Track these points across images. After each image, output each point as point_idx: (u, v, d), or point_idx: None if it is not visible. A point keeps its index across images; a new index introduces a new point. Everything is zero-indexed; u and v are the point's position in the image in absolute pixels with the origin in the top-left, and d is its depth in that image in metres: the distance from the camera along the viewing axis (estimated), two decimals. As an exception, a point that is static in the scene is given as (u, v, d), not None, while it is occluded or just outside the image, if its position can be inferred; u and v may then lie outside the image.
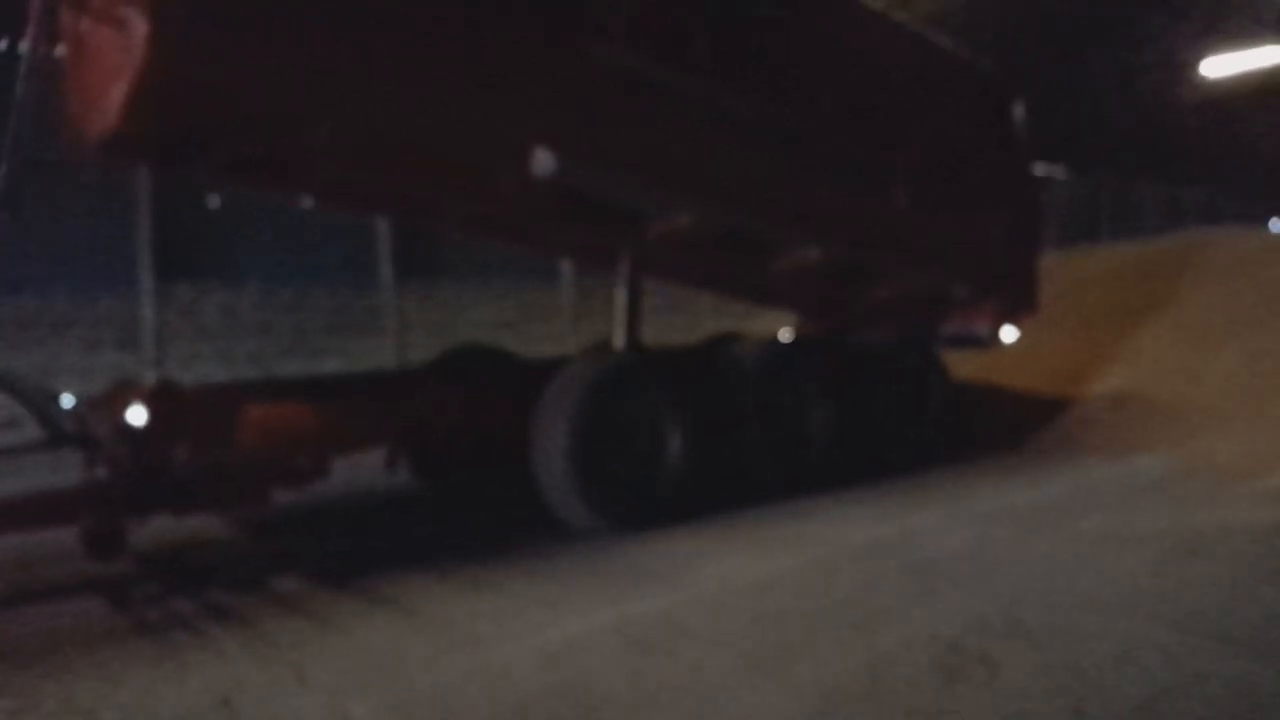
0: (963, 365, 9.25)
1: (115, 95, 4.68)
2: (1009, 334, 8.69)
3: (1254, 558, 4.94)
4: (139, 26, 4.41)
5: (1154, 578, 4.67)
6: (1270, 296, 9.59)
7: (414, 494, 7.51)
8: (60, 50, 5.60)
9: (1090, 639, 3.86)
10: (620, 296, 6.98)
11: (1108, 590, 4.50)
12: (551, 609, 4.52)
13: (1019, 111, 8.96)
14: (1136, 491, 6.74)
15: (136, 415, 5.16)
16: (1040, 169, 20.20)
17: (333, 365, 13.53)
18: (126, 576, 5.35)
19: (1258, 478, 6.87)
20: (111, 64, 4.78)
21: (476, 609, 4.57)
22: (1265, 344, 8.81)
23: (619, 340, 6.89)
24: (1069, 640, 3.86)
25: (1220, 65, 22.75)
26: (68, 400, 5.92)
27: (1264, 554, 5.01)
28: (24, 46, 4.91)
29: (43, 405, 5.74)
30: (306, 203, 7.18)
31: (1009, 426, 8.86)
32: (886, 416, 7.83)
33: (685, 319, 17.27)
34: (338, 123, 5.08)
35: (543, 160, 5.57)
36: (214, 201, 12.65)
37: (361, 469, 7.81)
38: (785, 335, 8.31)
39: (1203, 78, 23.95)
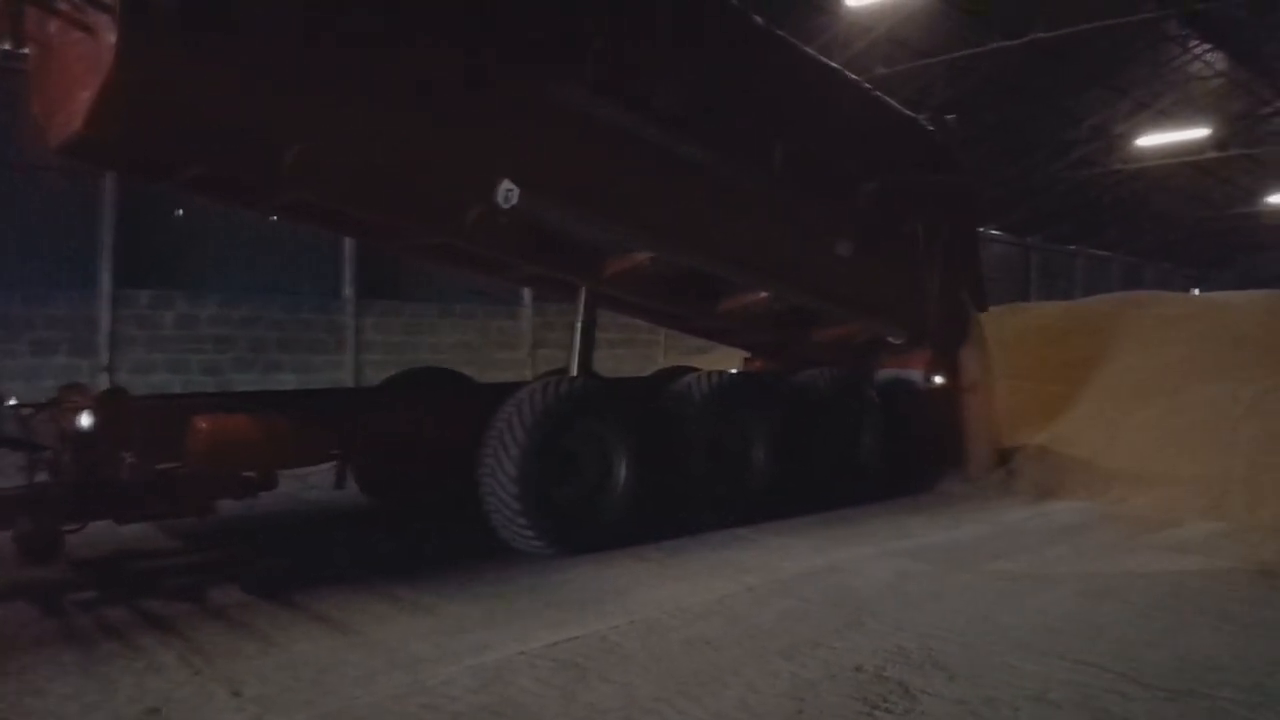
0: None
1: (81, 100, 4.72)
2: (942, 379, 8.95)
3: (1163, 603, 5.14)
4: (107, 34, 4.46)
5: (1068, 618, 4.85)
6: (1188, 357, 9.95)
7: (361, 512, 7.52)
8: (26, 52, 5.65)
9: (1007, 674, 4.02)
10: (577, 327, 7.10)
11: (1024, 628, 4.67)
12: (491, 631, 4.58)
13: (962, 171, 9.27)
14: (1055, 535, 6.96)
15: (83, 420, 5.16)
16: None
17: (289, 380, 13.49)
18: (60, 583, 5.30)
19: (1169, 528, 7.15)
20: (78, 69, 4.82)
21: (416, 629, 4.62)
22: (1182, 402, 9.15)
23: (574, 369, 7.00)
24: (986, 675, 4.01)
25: (1151, 140, 23.59)
26: (11, 402, 5.90)
27: (1175, 599, 5.22)
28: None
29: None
30: (272, 218, 7.22)
31: (939, 469, 9.04)
32: (824, 453, 8.02)
33: (641, 351, 17.45)
34: (305, 145, 5.16)
35: (506, 193, 5.70)
36: (179, 212, 12.60)
37: (310, 484, 7.85)
38: (733, 371, 8.46)
39: (1134, 150, 24.80)
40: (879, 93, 8.96)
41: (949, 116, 9.44)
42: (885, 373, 9.13)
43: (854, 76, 8.86)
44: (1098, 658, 4.21)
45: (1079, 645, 4.39)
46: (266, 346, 13.56)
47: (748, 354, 9.90)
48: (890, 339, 8.93)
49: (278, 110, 4.99)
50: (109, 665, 4.06)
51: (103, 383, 11.34)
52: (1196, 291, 27.02)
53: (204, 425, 5.26)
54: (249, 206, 6.33)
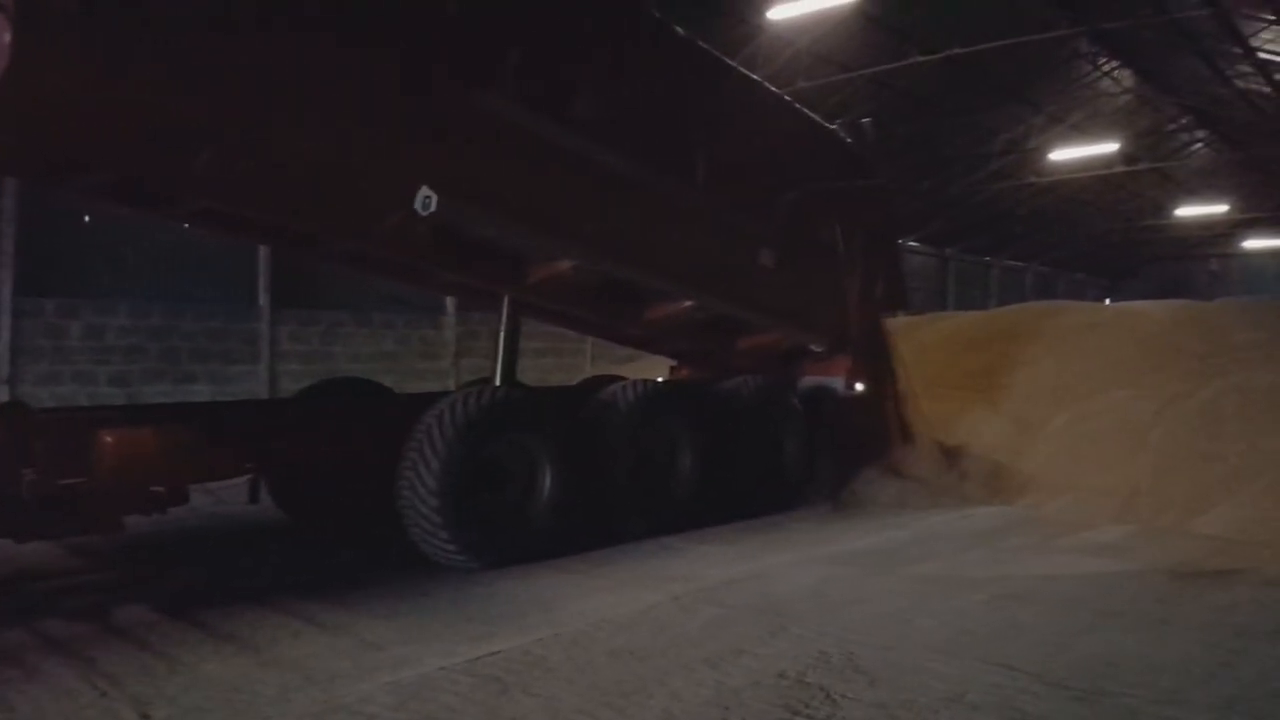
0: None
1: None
2: (861, 386, 9.09)
3: (1076, 604, 5.26)
4: (2, 34, 4.28)
5: (985, 620, 4.94)
6: (1099, 365, 10.26)
7: (277, 527, 7.32)
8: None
9: (925, 677, 4.06)
10: (500, 335, 7.03)
11: (942, 631, 4.74)
12: (410, 646, 4.49)
13: (880, 182, 9.43)
14: (972, 540, 7.08)
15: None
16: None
17: (202, 392, 13.12)
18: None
19: (1081, 531, 7.34)
20: None
21: (332, 646, 4.51)
22: (1093, 409, 9.43)
23: (497, 379, 6.93)
24: (905, 678, 4.06)
25: (1063, 154, 24.31)
26: None
27: (1087, 600, 5.34)
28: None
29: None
30: (184, 226, 7.02)
31: (860, 475, 9.16)
32: (749, 461, 8.06)
33: (568, 360, 17.39)
34: (215, 150, 5.01)
35: (425, 199, 5.61)
36: (85, 218, 12.16)
37: (223, 500, 7.63)
38: (659, 380, 8.47)
39: (1047, 164, 25.56)
40: (799, 105, 9.07)
41: (865, 120, 9.60)
42: (807, 380, 9.23)
43: (774, 89, 8.96)
44: (1013, 659, 4.27)
45: (995, 647, 4.46)
46: (178, 357, 13.16)
47: (674, 362, 9.93)
48: (812, 347, 9.03)
49: (186, 113, 4.83)
50: (8, 690, 3.88)
51: (2, 395, 10.90)
52: (1108, 301, 27.92)
53: (110, 439, 5.08)
54: (159, 213, 6.14)
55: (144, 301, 12.89)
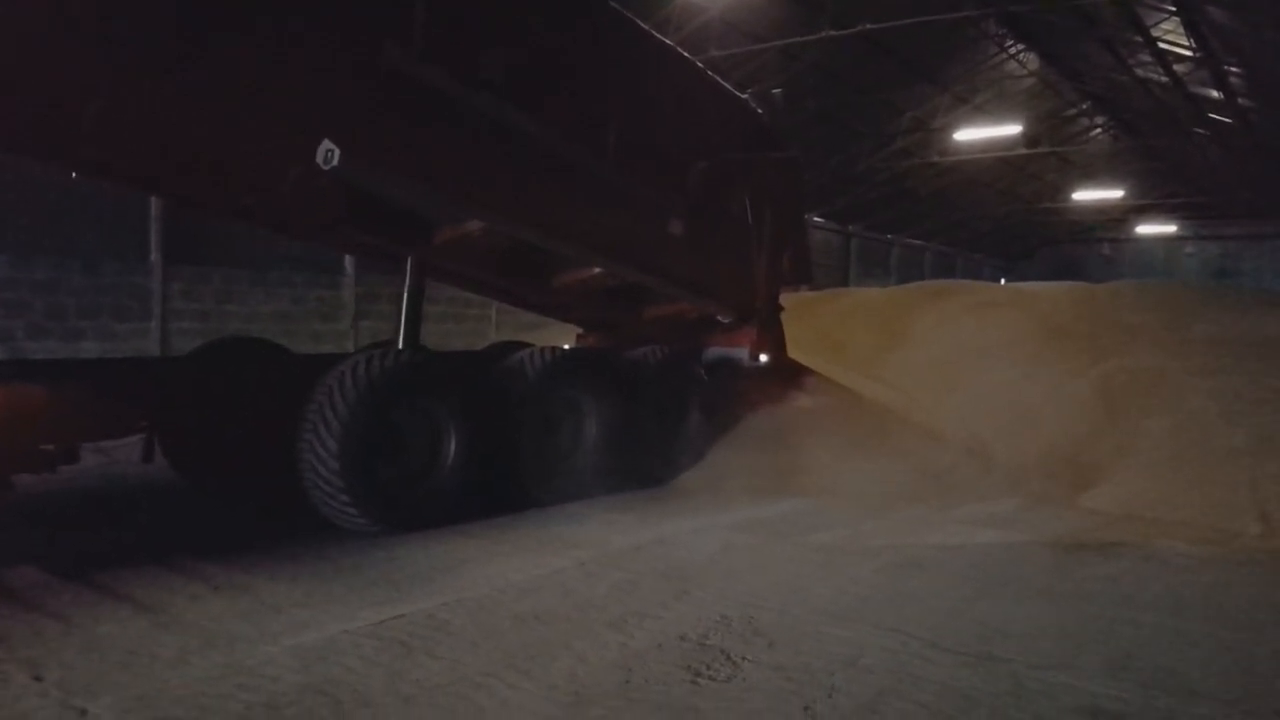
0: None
1: None
2: (765, 357, 9.24)
3: (969, 573, 5.45)
4: None
5: (880, 588, 5.09)
6: (994, 344, 10.56)
7: (171, 488, 7.13)
8: None
9: (822, 642, 4.20)
10: (404, 297, 6.92)
11: (839, 597, 4.88)
12: (312, 610, 4.45)
13: (790, 155, 9.53)
14: (869, 510, 7.22)
15: None
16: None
17: (91, 349, 12.65)
18: None
19: (973, 504, 7.53)
20: None
21: (233, 609, 4.44)
22: (991, 384, 9.72)
23: (401, 342, 6.83)
24: (803, 642, 4.18)
25: (967, 134, 24.87)
26: None
27: (978, 570, 5.53)
28: None
29: None
30: (70, 175, 6.72)
31: (762, 444, 9.29)
32: (654, 429, 8.11)
33: (471, 326, 17.22)
34: (106, 104, 4.78)
35: (327, 152, 5.47)
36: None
37: (116, 459, 7.40)
38: (566, 346, 8.45)
39: (951, 144, 26.12)
40: (711, 72, 9.08)
41: (775, 90, 9.66)
42: (713, 350, 9.32)
43: (687, 55, 8.94)
44: (906, 625, 4.42)
45: (889, 614, 4.60)
46: (65, 313, 12.62)
47: (580, 330, 9.92)
48: (719, 318, 9.12)
49: (68, 65, 4.60)
50: (-116, 656, 3.73)
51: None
52: (1003, 282, 28.82)
53: (-4, 395, 4.88)
54: (45, 162, 5.84)
55: (28, 254, 12.31)
